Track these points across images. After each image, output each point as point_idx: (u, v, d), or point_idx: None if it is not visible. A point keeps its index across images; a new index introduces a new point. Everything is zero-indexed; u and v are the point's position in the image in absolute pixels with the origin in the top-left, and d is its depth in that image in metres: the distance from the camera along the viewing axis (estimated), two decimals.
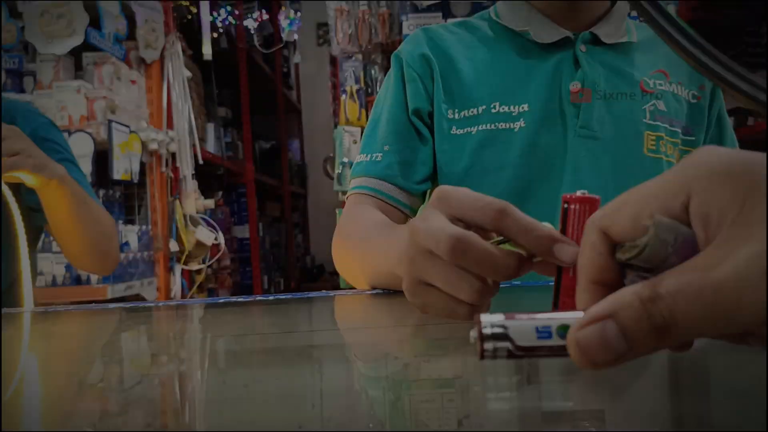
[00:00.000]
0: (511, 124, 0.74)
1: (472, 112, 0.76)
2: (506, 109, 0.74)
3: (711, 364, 0.33)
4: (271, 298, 0.64)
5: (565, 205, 0.36)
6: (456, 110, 0.77)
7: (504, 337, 0.25)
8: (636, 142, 0.74)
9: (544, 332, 0.25)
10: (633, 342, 0.22)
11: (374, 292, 0.62)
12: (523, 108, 0.74)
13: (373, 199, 0.74)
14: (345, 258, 0.72)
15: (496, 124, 0.74)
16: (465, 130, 0.76)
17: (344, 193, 2.42)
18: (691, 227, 0.24)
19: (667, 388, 0.30)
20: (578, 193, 0.37)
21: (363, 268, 0.64)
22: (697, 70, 0.26)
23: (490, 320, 0.25)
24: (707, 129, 0.80)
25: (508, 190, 0.73)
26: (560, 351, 0.25)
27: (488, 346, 0.26)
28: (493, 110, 0.75)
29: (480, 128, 0.75)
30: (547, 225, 0.35)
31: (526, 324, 0.25)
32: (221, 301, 0.63)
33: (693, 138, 0.79)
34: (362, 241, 0.65)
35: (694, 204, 0.23)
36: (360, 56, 2.46)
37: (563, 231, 0.36)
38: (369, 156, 0.77)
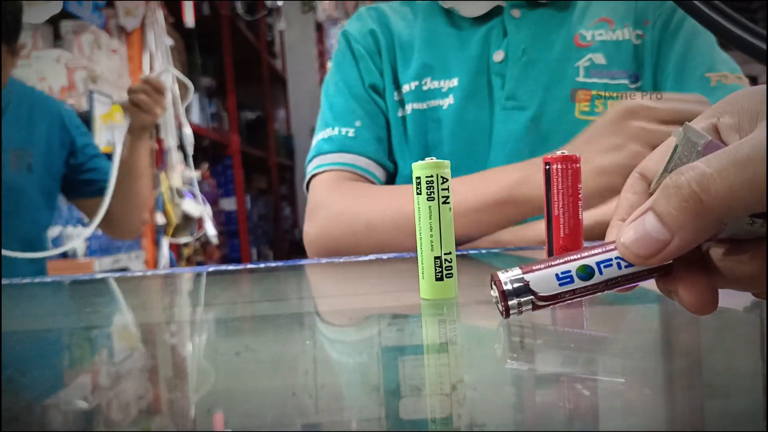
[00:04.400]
0: (440, 101, 0.72)
1: (406, 88, 0.74)
2: (436, 84, 0.72)
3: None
4: (262, 266, 0.63)
5: (547, 166, 0.36)
6: (397, 90, 0.75)
7: (526, 290, 0.25)
8: (566, 105, 0.70)
9: (565, 277, 0.24)
10: (670, 225, 0.21)
11: (369, 258, 0.62)
12: (452, 83, 0.72)
13: (352, 176, 0.71)
14: (371, 235, 0.66)
15: (428, 102, 0.73)
16: (403, 111, 0.74)
17: None
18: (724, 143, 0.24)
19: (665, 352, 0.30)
20: (558, 153, 0.36)
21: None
22: (696, 20, 0.26)
23: (509, 276, 0.25)
24: (659, 66, 0.72)
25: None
26: (583, 292, 0.25)
27: (512, 302, 0.25)
28: (424, 86, 0.73)
29: (413, 107, 0.73)
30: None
31: (545, 273, 0.25)
32: (211, 269, 0.62)
33: (640, 84, 0.72)
34: (405, 203, 0.61)
35: (725, 119, 0.24)
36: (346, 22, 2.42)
37: (547, 192, 0.36)
38: (338, 130, 0.73)
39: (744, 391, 0.22)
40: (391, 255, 0.59)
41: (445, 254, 0.36)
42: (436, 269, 0.36)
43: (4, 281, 0.64)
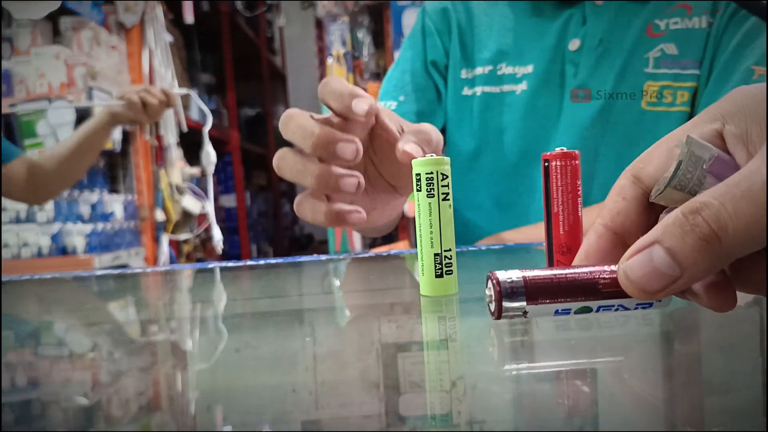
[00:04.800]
0: (514, 87, 0.73)
1: (478, 71, 0.75)
2: (511, 70, 0.73)
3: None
4: (261, 262, 0.63)
5: (546, 163, 0.36)
6: (467, 69, 0.76)
7: (521, 309, 0.25)
8: (634, 97, 0.70)
9: (563, 312, 0.24)
10: (682, 262, 0.20)
11: (366, 255, 0.62)
12: (527, 69, 0.73)
13: None
14: None
15: (501, 86, 0.74)
16: (472, 90, 0.75)
17: None
18: (729, 153, 0.22)
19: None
20: (557, 150, 0.36)
21: None
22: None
23: (508, 287, 0.25)
24: (717, 52, 0.71)
25: (509, 154, 0.72)
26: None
27: (505, 315, 0.25)
28: (499, 71, 0.74)
29: (484, 89, 0.74)
30: (356, 88, 0.37)
31: (544, 308, 0.25)
32: (210, 266, 0.62)
33: (698, 72, 0.71)
34: None
35: (730, 127, 0.22)
36: (346, 19, 2.41)
37: (547, 189, 0.36)
38: (384, 104, 0.75)
39: (744, 388, 0.22)
40: (392, 251, 0.58)
41: (445, 251, 0.35)
42: (435, 266, 0.36)
43: (5, 278, 0.64)
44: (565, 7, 0.73)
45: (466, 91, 0.76)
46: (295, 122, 0.36)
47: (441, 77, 0.77)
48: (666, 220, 0.21)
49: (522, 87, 0.72)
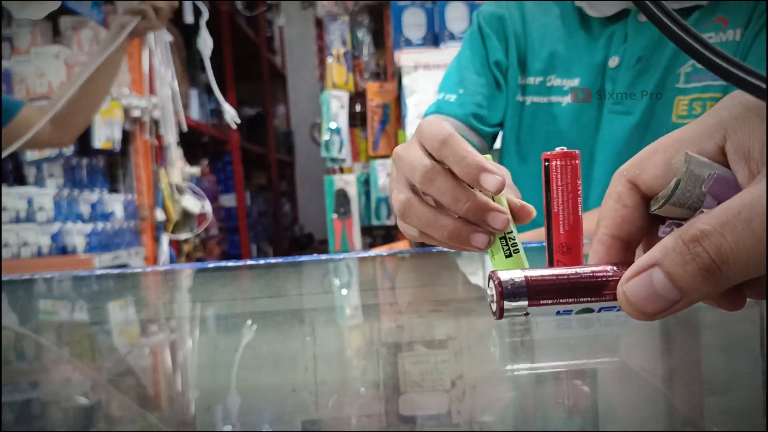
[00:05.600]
0: (561, 98, 0.77)
1: (530, 80, 0.79)
2: (559, 82, 0.77)
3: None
4: (261, 262, 0.63)
5: (546, 163, 0.36)
6: (522, 76, 0.80)
7: (523, 308, 0.25)
8: (665, 111, 0.74)
9: (565, 312, 0.24)
10: (682, 287, 0.20)
11: (364, 254, 0.62)
12: (573, 82, 0.76)
13: None
14: None
15: (549, 97, 0.77)
16: (524, 98, 0.79)
17: (333, 160, 2.40)
18: (729, 168, 0.22)
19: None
20: (557, 150, 0.36)
21: None
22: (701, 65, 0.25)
23: (511, 289, 0.25)
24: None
25: None
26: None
27: (506, 316, 0.25)
28: (548, 83, 0.78)
29: (534, 99, 0.78)
30: (484, 156, 0.36)
31: (546, 309, 0.24)
32: (211, 266, 0.62)
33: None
34: None
35: (732, 142, 0.22)
36: (346, 18, 2.41)
37: (547, 189, 0.36)
38: (443, 96, 0.81)
39: (744, 388, 0.22)
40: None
41: (507, 233, 0.37)
42: (503, 248, 0.37)
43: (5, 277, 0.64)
44: (610, 23, 0.75)
45: (519, 98, 0.80)
46: (443, 183, 0.35)
47: (502, 75, 0.81)
48: (666, 243, 0.21)
49: (568, 99, 0.76)
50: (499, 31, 0.82)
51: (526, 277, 0.25)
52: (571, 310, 0.24)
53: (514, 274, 0.25)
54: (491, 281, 0.26)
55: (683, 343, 0.30)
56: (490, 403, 0.24)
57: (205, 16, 1.58)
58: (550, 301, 0.24)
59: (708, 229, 0.20)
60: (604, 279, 0.24)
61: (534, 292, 0.24)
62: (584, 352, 0.29)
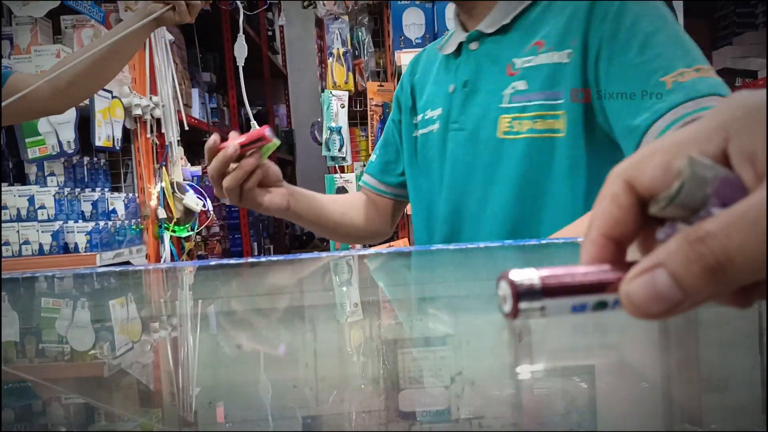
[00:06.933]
0: (432, 127, 0.89)
1: (419, 117, 0.93)
2: (430, 113, 0.90)
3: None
4: (263, 260, 0.63)
5: None
6: (415, 116, 0.95)
7: (539, 307, 0.25)
8: (491, 127, 0.82)
9: (579, 307, 0.24)
10: (686, 288, 0.20)
11: (366, 251, 0.62)
12: (437, 112, 0.88)
13: (366, 190, 1.03)
14: None
15: (429, 127, 0.90)
16: (416, 133, 0.94)
17: (333, 158, 2.41)
18: (732, 170, 0.22)
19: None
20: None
21: None
22: None
23: (525, 287, 0.25)
24: (609, 77, 0.74)
25: (433, 190, 0.88)
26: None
27: (521, 316, 0.25)
28: (426, 116, 0.91)
29: (421, 132, 0.92)
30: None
31: (562, 306, 0.24)
32: (213, 263, 0.63)
33: (561, 101, 0.76)
34: None
35: (736, 144, 0.21)
36: (347, 17, 2.41)
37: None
38: (372, 157, 1.04)
39: (743, 386, 0.22)
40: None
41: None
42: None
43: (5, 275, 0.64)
44: (455, 58, 0.88)
45: (415, 133, 0.94)
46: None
47: (398, 130, 0.99)
48: (670, 244, 0.21)
49: (435, 127, 0.88)
50: (406, 84, 0.99)
51: (540, 276, 0.25)
52: (586, 305, 0.24)
53: (526, 273, 0.25)
54: (502, 281, 0.26)
55: (682, 341, 0.30)
56: (497, 400, 0.24)
57: (241, 16, 1.57)
58: (564, 297, 0.24)
59: (713, 230, 0.20)
60: (613, 271, 0.24)
61: (548, 288, 0.24)
62: (583, 350, 0.29)
